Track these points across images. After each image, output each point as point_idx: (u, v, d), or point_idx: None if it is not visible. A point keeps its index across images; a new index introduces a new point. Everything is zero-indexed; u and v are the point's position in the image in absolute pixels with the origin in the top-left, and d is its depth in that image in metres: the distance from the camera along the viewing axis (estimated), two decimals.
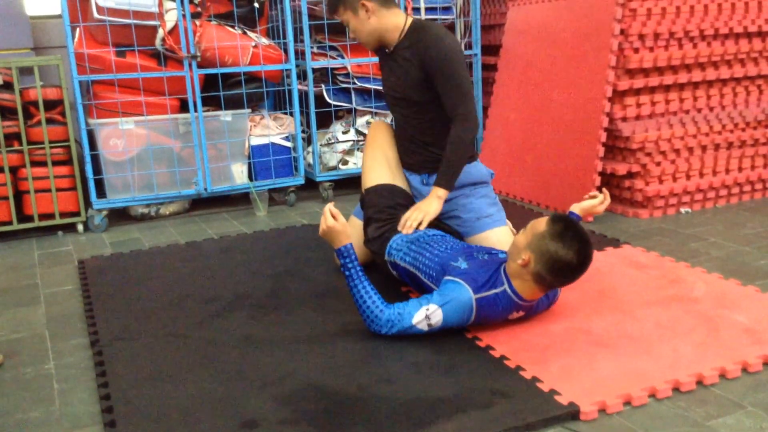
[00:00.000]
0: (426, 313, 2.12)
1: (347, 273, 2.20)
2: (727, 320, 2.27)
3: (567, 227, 2.10)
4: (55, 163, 3.62)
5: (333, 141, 4.25)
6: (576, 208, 2.59)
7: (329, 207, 2.24)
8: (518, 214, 3.69)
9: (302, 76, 4.20)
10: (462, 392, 1.89)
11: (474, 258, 2.28)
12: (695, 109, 3.68)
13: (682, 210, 3.61)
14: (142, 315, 2.52)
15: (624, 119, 3.55)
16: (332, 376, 2.01)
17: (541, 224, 2.14)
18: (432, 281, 2.33)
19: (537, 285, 2.13)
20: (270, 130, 4.06)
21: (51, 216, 3.66)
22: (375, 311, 2.16)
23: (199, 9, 3.82)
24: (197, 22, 3.73)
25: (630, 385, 1.89)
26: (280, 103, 4.45)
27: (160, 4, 3.60)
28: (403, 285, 2.64)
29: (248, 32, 3.95)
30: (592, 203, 2.58)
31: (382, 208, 2.66)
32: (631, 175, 3.59)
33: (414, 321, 2.13)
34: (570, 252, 2.06)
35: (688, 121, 3.62)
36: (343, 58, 4.17)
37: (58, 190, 3.63)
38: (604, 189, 2.62)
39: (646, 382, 1.90)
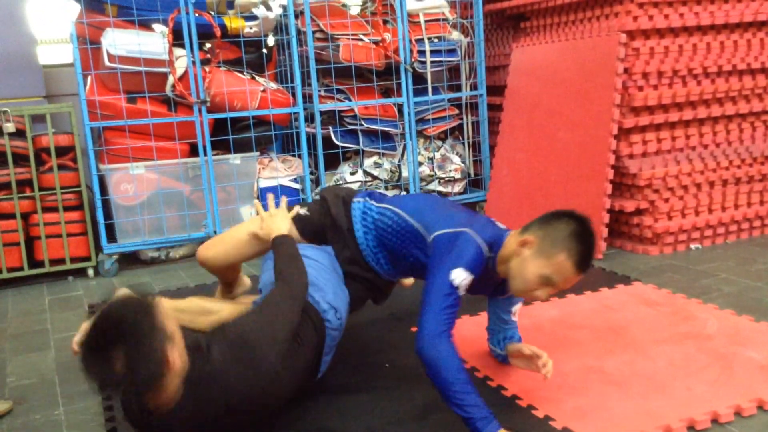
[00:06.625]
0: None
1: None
2: (741, 357, 2.24)
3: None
4: (67, 209, 3.65)
5: (341, 182, 4.28)
6: (512, 348, 2.22)
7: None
8: None
9: (310, 118, 4.25)
10: None
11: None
12: (701, 146, 3.69)
13: (693, 246, 3.60)
14: None
15: (631, 156, 3.56)
16: (342, 419, 1.99)
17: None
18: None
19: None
20: (278, 172, 4.09)
21: (62, 261, 3.68)
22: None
23: (208, 55, 3.89)
24: (207, 69, 3.80)
25: (644, 424, 1.86)
26: (288, 145, 4.49)
27: (171, 52, 3.67)
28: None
29: (257, 77, 4.01)
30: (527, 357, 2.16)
31: None
32: (639, 212, 3.58)
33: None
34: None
35: (695, 157, 3.63)
36: (350, 100, 4.22)
37: (69, 235, 3.66)
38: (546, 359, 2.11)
39: (661, 421, 1.87)
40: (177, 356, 1.68)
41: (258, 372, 1.76)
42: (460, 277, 1.90)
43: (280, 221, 2.28)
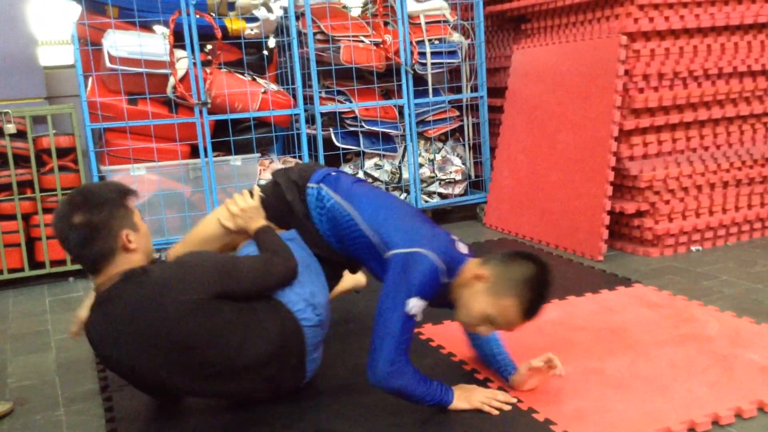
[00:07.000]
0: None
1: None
2: (741, 359, 2.24)
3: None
4: None
5: None
6: (523, 368, 2.10)
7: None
8: None
9: (311, 120, 4.25)
10: None
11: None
12: (702, 147, 3.69)
13: (693, 248, 3.60)
14: None
15: (631, 158, 3.57)
16: (342, 421, 1.99)
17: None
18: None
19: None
20: None
21: (62, 262, 3.68)
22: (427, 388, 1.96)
23: (209, 57, 3.89)
24: (208, 70, 3.80)
25: (644, 426, 1.86)
26: (288, 147, 4.49)
27: (172, 53, 3.67)
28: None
29: (257, 79, 4.02)
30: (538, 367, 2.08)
31: None
32: (640, 213, 3.59)
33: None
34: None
35: (695, 159, 3.63)
36: (350, 102, 4.22)
37: None
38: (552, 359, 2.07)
39: (661, 423, 1.87)
40: (134, 242, 1.88)
41: (181, 294, 1.81)
42: (416, 305, 1.90)
43: (255, 213, 2.26)
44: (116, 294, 1.84)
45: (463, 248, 2.08)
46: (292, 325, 2.02)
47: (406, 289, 1.89)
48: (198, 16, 3.72)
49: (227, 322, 1.88)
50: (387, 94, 4.45)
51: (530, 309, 1.90)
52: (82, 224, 1.82)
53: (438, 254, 1.94)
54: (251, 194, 2.32)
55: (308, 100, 4.21)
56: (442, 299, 2.01)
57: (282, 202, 2.30)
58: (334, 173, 2.34)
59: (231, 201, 2.30)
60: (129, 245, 1.87)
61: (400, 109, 4.35)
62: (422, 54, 4.32)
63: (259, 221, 2.25)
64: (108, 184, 1.95)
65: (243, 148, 3.99)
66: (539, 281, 1.89)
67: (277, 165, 4.12)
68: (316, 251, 2.27)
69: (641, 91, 3.55)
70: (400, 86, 4.31)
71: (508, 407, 1.98)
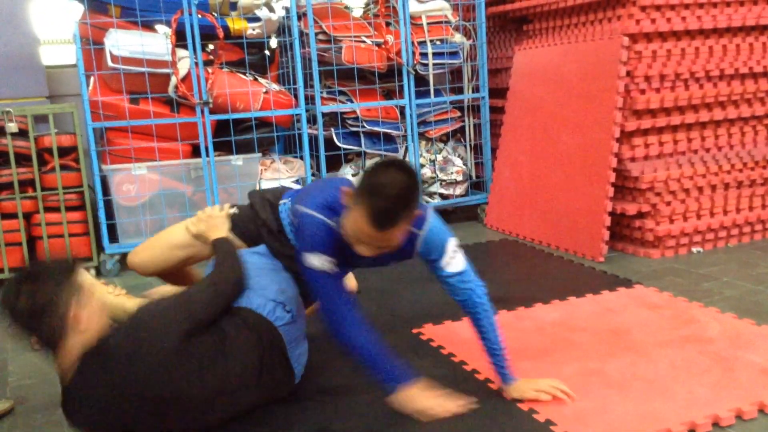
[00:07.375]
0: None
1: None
2: (742, 360, 2.24)
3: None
4: (69, 209, 3.66)
5: None
6: (516, 393, 2.05)
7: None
8: (528, 255, 3.69)
9: (312, 120, 4.25)
10: None
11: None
12: (703, 149, 3.69)
13: (694, 249, 3.60)
14: None
15: (633, 159, 3.57)
16: (342, 420, 1.99)
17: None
18: None
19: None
20: (280, 173, 4.09)
21: None
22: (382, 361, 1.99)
23: (211, 57, 3.90)
24: (209, 70, 3.80)
25: (645, 427, 1.86)
26: (290, 147, 4.50)
27: (173, 53, 3.68)
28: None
29: (259, 79, 4.02)
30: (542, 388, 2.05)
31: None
32: (641, 215, 3.58)
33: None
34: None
35: (696, 160, 3.63)
36: (352, 102, 4.23)
37: (71, 235, 3.66)
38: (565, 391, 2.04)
39: (662, 424, 1.87)
40: (83, 321, 1.75)
41: (151, 351, 1.76)
42: (314, 259, 1.92)
43: (219, 223, 2.27)
44: (82, 382, 1.77)
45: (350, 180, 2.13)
46: (266, 329, 2.00)
47: (302, 247, 1.95)
48: (200, 16, 3.73)
49: (204, 358, 1.85)
50: (388, 95, 4.45)
51: (378, 216, 1.73)
52: (26, 308, 1.70)
53: (318, 203, 1.96)
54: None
55: (310, 100, 4.21)
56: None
57: (256, 221, 2.32)
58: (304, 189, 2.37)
59: (202, 210, 2.34)
60: (78, 324, 1.75)
61: (402, 109, 4.36)
62: (424, 54, 4.32)
63: (220, 232, 2.26)
64: (52, 263, 1.82)
65: (244, 148, 3.99)
66: (393, 187, 1.73)
67: (279, 165, 4.13)
68: (293, 266, 2.21)
69: (643, 92, 3.55)
70: (401, 87, 4.31)
71: (465, 409, 1.99)
